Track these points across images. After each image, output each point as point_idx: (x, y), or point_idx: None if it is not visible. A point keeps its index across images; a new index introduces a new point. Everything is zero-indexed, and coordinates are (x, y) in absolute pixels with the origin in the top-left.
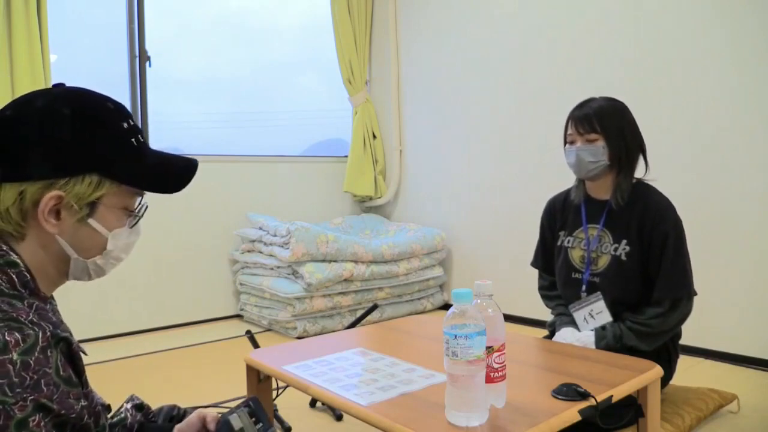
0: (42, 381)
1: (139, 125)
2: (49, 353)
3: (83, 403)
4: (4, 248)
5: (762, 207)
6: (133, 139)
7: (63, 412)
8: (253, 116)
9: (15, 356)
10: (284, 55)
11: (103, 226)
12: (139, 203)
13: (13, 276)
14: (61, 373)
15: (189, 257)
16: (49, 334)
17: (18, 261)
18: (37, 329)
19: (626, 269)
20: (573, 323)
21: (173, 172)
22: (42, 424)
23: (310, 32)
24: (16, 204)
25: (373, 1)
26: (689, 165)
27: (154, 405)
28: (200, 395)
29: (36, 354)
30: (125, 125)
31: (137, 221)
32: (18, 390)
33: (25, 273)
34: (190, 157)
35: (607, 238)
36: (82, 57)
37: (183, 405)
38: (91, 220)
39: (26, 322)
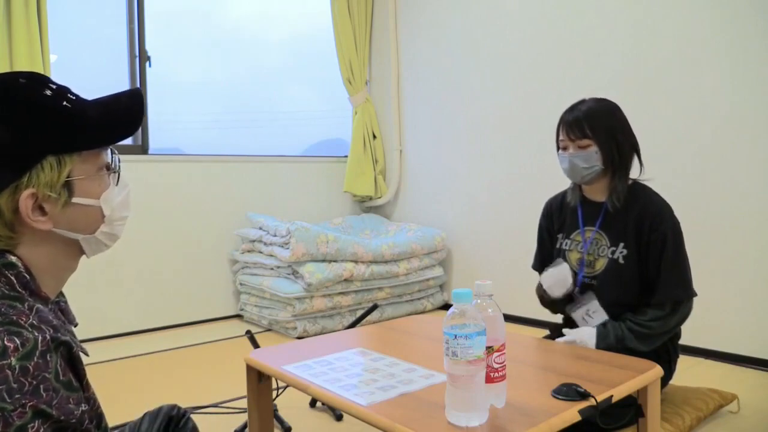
0: (41, 386)
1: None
2: (48, 357)
3: (84, 407)
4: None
5: (762, 207)
6: (64, 102)
7: (63, 417)
8: (254, 116)
9: (14, 361)
10: (285, 55)
11: (89, 197)
12: (111, 157)
13: (12, 277)
14: (61, 377)
15: (189, 257)
16: (49, 337)
17: (16, 262)
18: (36, 333)
19: (624, 272)
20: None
21: (121, 113)
22: (41, 430)
23: (311, 35)
24: None
25: (373, 1)
26: (689, 164)
27: (154, 405)
28: (200, 395)
29: (35, 359)
30: (48, 92)
31: (118, 174)
32: (17, 396)
33: (24, 274)
34: (131, 89)
35: (603, 240)
36: (82, 57)
37: (183, 405)
38: (75, 199)
39: (26, 325)
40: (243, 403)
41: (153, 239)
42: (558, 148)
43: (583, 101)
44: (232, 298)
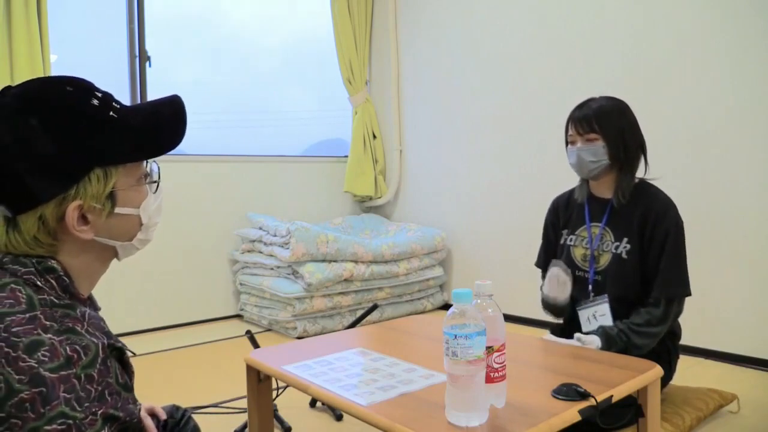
0: (106, 392)
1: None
2: (108, 363)
3: (139, 405)
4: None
5: (761, 206)
6: (111, 113)
7: (127, 418)
8: (254, 116)
9: (79, 370)
10: (285, 55)
11: (130, 207)
12: (148, 165)
13: (53, 282)
14: (120, 380)
15: (189, 257)
16: (106, 343)
17: (55, 266)
18: (96, 340)
19: (627, 267)
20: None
21: (165, 122)
22: None
23: (311, 35)
24: (41, 230)
25: (373, 1)
26: (688, 164)
27: None
28: (200, 395)
29: (98, 366)
30: (96, 102)
31: (158, 184)
32: (86, 404)
33: (64, 277)
34: (170, 96)
35: (608, 236)
36: (82, 57)
37: (183, 405)
38: (117, 209)
39: (83, 332)
40: (243, 403)
41: (153, 239)
42: (567, 144)
43: (592, 99)
44: (232, 298)
